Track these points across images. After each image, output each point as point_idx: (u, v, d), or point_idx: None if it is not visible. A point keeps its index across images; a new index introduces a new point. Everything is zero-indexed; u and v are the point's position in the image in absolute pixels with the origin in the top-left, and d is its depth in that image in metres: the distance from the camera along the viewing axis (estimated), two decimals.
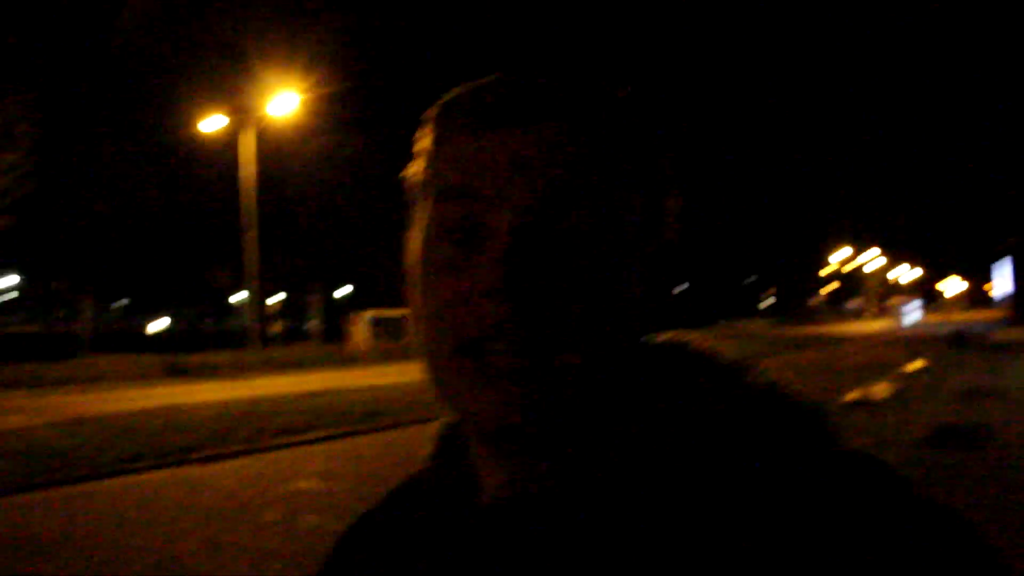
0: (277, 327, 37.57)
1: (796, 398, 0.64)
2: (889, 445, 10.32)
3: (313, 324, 42.42)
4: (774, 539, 0.55)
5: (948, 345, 31.54)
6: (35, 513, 8.09)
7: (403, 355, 32.45)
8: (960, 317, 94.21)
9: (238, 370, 26.97)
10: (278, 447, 11.67)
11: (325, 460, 10.64)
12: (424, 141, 0.68)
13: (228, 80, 31.33)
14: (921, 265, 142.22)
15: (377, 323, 38.48)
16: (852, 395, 11.62)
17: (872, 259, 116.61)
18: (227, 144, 31.42)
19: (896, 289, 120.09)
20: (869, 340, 45.17)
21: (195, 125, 30.78)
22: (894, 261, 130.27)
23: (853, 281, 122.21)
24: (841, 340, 45.72)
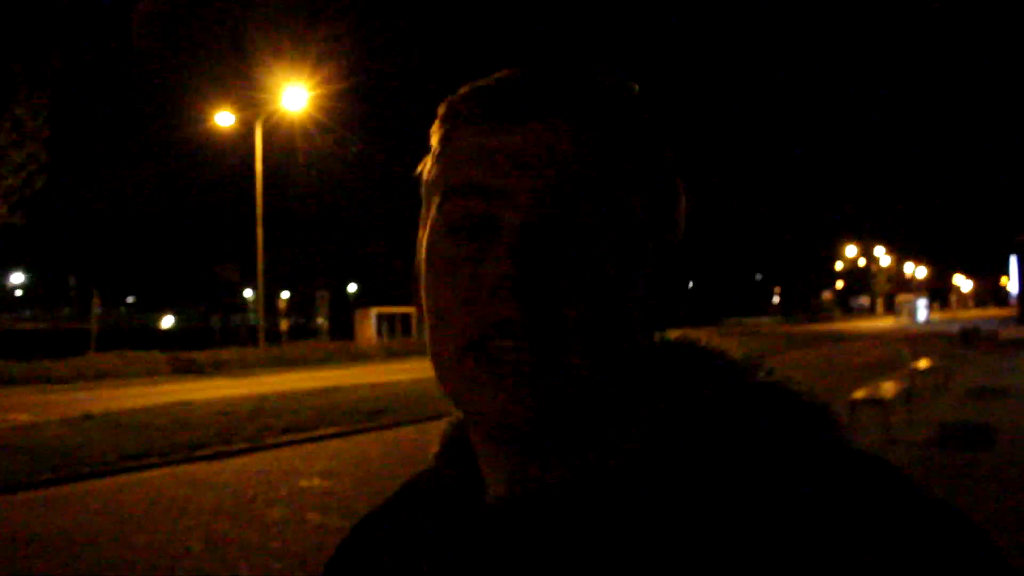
0: (284, 324, 37.59)
1: (803, 397, 0.64)
2: (897, 444, 10.30)
3: (320, 321, 42.48)
4: (780, 538, 0.54)
5: (957, 343, 31.47)
6: (40, 510, 8.12)
7: (409, 352, 32.55)
8: (969, 315, 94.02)
9: (245, 367, 27.04)
10: (283, 445, 11.70)
11: (330, 458, 10.66)
12: (434, 138, 0.68)
13: (237, 77, 31.41)
14: (929, 263, 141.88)
15: (384, 320, 38.56)
16: (859, 393, 11.58)
17: (880, 257, 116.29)
18: (235, 142, 31.52)
19: (904, 286, 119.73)
20: (877, 338, 45.09)
21: (204, 123, 30.88)
22: (902, 258, 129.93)
23: (861, 278, 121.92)
24: (849, 338, 45.65)
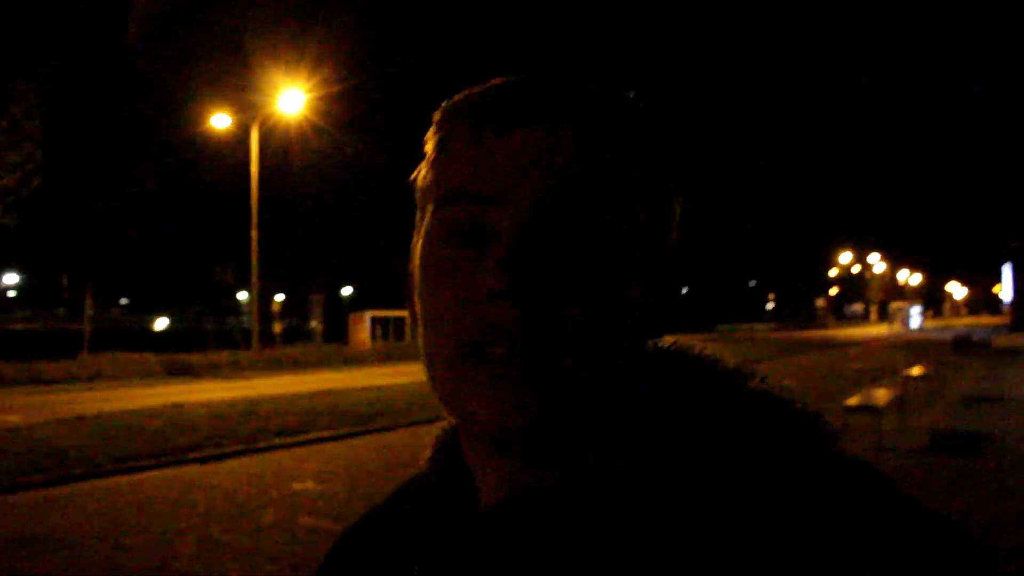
0: (278, 327, 37.53)
1: (796, 405, 0.64)
2: (889, 451, 10.32)
3: (314, 324, 42.43)
4: (771, 544, 0.55)
5: (949, 351, 31.55)
6: (33, 512, 8.09)
7: (403, 356, 32.52)
8: (962, 322, 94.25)
9: (239, 369, 27.00)
10: (277, 447, 11.68)
11: (323, 461, 10.64)
12: (428, 144, 0.68)
13: (233, 79, 31.39)
14: (923, 270, 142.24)
15: (378, 323, 38.53)
16: (853, 400, 11.60)
17: (874, 264, 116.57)
18: (231, 144, 31.48)
19: (898, 294, 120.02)
20: (870, 345, 45.17)
21: (200, 125, 30.84)
22: (896, 266, 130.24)
23: (855, 285, 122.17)
24: (842, 344, 45.72)
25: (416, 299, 0.67)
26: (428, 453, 0.76)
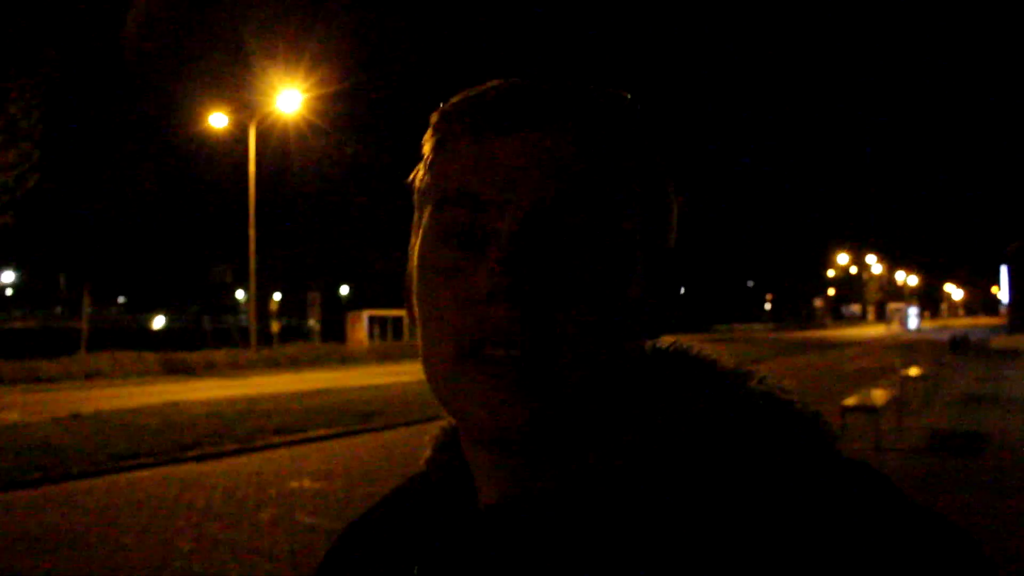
0: (276, 326, 37.50)
1: (795, 406, 0.64)
2: (888, 451, 10.33)
3: (312, 323, 42.41)
4: (769, 544, 0.55)
5: (947, 351, 31.57)
6: (30, 510, 8.08)
7: (401, 355, 32.51)
8: (960, 323, 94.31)
9: (236, 368, 26.99)
10: (274, 446, 11.67)
11: (322, 460, 10.64)
12: (426, 146, 0.68)
13: (231, 78, 31.36)
14: (921, 271, 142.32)
15: (376, 322, 38.51)
16: (851, 400, 11.61)
17: (871, 265, 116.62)
18: (229, 143, 31.45)
19: (895, 295, 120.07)
20: (868, 345, 45.19)
21: (198, 123, 30.81)
22: (893, 267, 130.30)
23: (852, 286, 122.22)
24: (840, 345, 45.74)
25: (415, 300, 0.67)
26: (427, 453, 0.76)
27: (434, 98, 0.69)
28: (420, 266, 0.66)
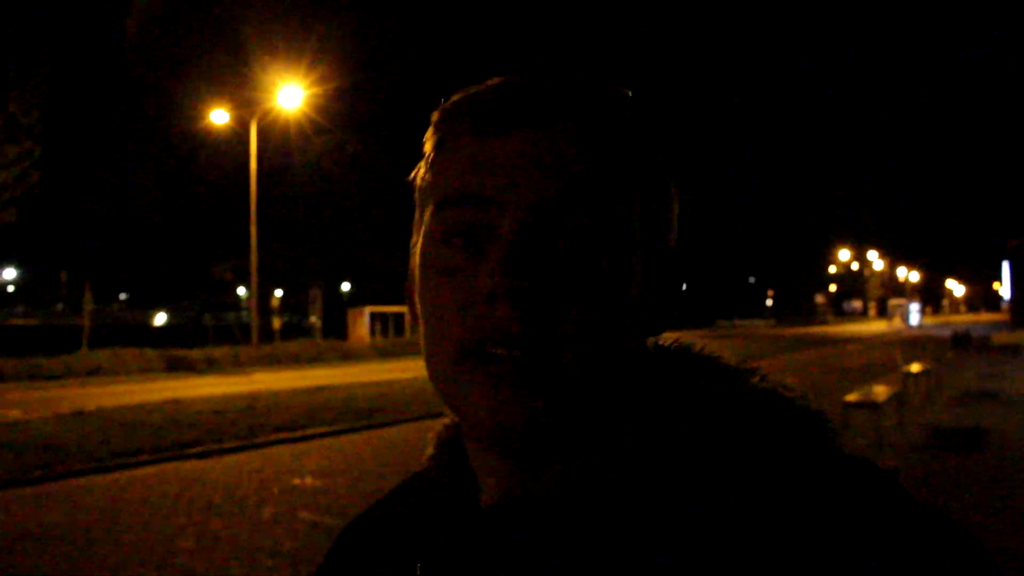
0: (277, 322, 37.51)
1: (797, 403, 0.64)
2: (889, 447, 10.33)
3: (313, 319, 42.43)
4: (772, 542, 0.55)
5: (949, 347, 31.57)
6: (31, 507, 8.09)
7: (402, 351, 32.52)
8: (961, 319, 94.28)
9: (238, 365, 27.00)
10: (276, 443, 11.68)
11: (323, 457, 10.65)
12: (427, 144, 0.68)
13: (232, 74, 31.36)
14: (922, 267, 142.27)
15: (377, 319, 38.51)
16: (852, 396, 11.60)
17: (873, 261, 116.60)
18: (230, 140, 31.46)
19: (897, 291, 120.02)
20: (869, 341, 45.19)
21: (199, 120, 30.82)
22: (895, 263, 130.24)
23: (854, 282, 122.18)
24: (841, 341, 45.73)
25: (417, 299, 0.67)
26: (430, 450, 0.76)
27: (435, 95, 0.69)
28: (422, 265, 0.66)
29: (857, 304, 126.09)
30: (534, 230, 0.60)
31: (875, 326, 78.56)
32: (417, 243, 0.68)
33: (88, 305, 30.34)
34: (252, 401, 15.43)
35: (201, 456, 10.65)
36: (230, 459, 10.58)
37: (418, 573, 0.69)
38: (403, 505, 0.77)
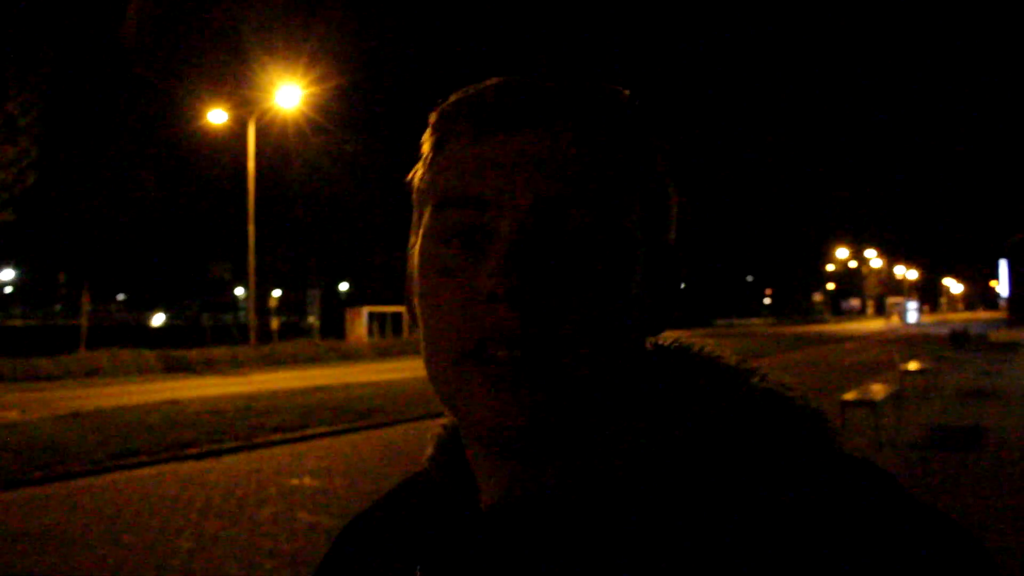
0: (275, 323, 37.52)
1: (798, 402, 0.64)
2: (887, 445, 10.34)
3: (311, 320, 42.44)
4: (773, 542, 0.55)
5: (947, 345, 31.61)
6: (30, 508, 8.09)
7: (400, 351, 32.52)
8: (959, 317, 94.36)
9: (236, 365, 26.98)
10: (274, 443, 11.68)
11: (321, 457, 10.64)
12: (425, 145, 0.68)
13: (230, 74, 31.34)
14: (920, 265, 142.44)
15: (375, 319, 38.51)
16: (850, 395, 11.61)
17: (871, 259, 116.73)
18: (228, 140, 31.45)
19: (895, 289, 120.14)
20: (867, 339, 45.22)
21: (197, 120, 30.78)
22: (893, 261, 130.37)
23: (852, 280, 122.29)
24: (839, 339, 45.77)
25: (416, 300, 0.67)
26: (429, 451, 0.76)
27: (434, 94, 0.69)
28: (421, 266, 0.65)
29: (855, 302, 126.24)
30: (534, 230, 0.60)
31: (873, 324, 78.63)
32: (415, 245, 0.68)
33: (86, 306, 30.33)
34: (250, 402, 15.43)
35: (199, 457, 10.65)
36: (228, 460, 10.57)
37: (418, 574, 0.69)
38: (402, 506, 0.77)
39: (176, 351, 27.45)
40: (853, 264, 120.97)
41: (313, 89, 29.03)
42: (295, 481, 9.13)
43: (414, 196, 0.70)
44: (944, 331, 40.30)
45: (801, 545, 0.54)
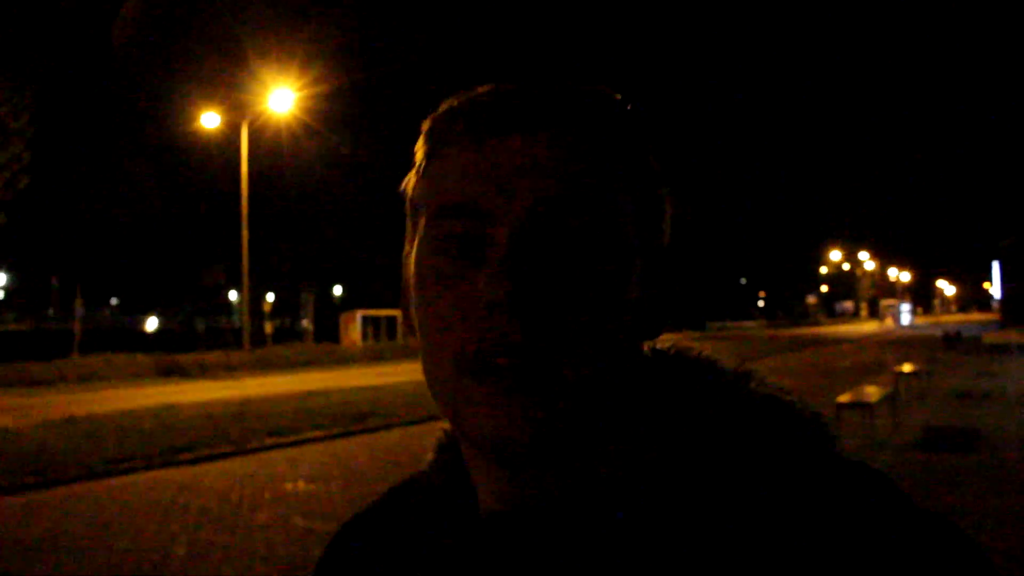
0: (269, 326, 37.47)
1: (796, 407, 0.64)
2: (882, 447, 10.36)
3: (305, 323, 42.39)
4: (775, 548, 0.55)
5: (940, 347, 31.69)
6: (23, 515, 8.05)
7: (395, 355, 32.49)
8: (952, 319, 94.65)
9: (229, 369, 26.94)
10: (268, 448, 11.65)
11: (315, 462, 10.62)
12: (418, 154, 0.68)
13: (223, 78, 31.30)
14: (913, 267, 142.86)
15: (369, 322, 38.50)
16: (845, 397, 11.63)
17: (864, 261, 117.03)
18: (221, 143, 31.41)
19: (888, 291, 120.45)
20: (861, 342, 45.32)
21: (190, 124, 30.75)
22: (886, 263, 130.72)
23: (845, 283, 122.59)
24: (834, 341, 45.86)
25: (413, 310, 0.66)
26: (430, 456, 0.75)
27: (427, 96, 0.69)
28: (418, 276, 0.65)
29: (848, 305, 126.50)
30: (530, 237, 0.59)
31: (867, 326, 78.82)
32: (410, 254, 0.67)
33: (79, 310, 30.26)
34: (244, 406, 15.40)
35: (193, 462, 10.62)
36: (223, 465, 10.54)
37: None
38: (399, 510, 0.77)
39: (170, 355, 27.43)
40: (846, 266, 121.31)
41: (306, 92, 29.06)
42: (290, 486, 9.11)
43: (408, 205, 0.69)
44: (938, 333, 40.41)
45: (802, 550, 0.54)
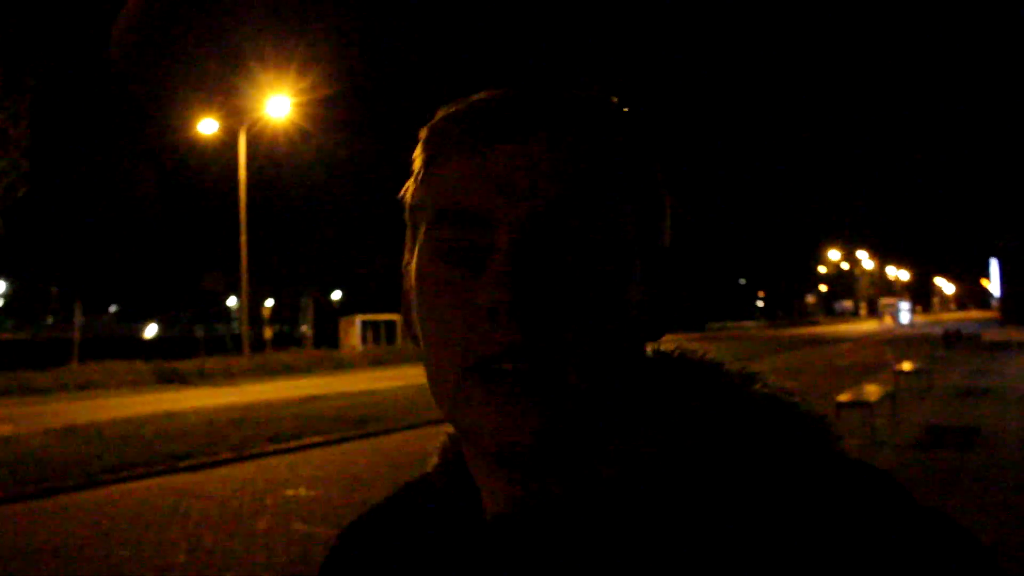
0: (268, 332, 37.44)
1: (799, 408, 0.64)
2: (882, 446, 10.36)
3: (305, 329, 42.37)
4: (779, 549, 0.55)
5: (940, 345, 31.71)
6: (24, 523, 8.04)
7: (394, 360, 32.45)
8: (951, 317, 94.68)
9: (229, 376, 26.91)
10: (269, 454, 11.64)
11: (316, 467, 10.61)
12: (416, 162, 0.68)
13: (220, 84, 31.33)
14: (912, 266, 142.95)
15: (369, 327, 38.46)
16: (845, 396, 11.64)
17: (863, 260, 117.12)
18: (220, 149, 31.42)
19: (887, 290, 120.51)
20: (861, 341, 45.33)
21: (188, 131, 30.75)
22: (885, 262, 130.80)
23: (844, 282, 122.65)
24: (833, 341, 45.87)
25: (415, 318, 0.67)
26: (434, 460, 0.75)
27: (425, 100, 0.69)
28: (419, 283, 0.65)
29: (848, 304, 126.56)
30: (531, 242, 0.59)
31: (866, 325, 78.82)
32: (411, 262, 0.67)
33: (78, 318, 30.24)
34: (244, 412, 15.38)
35: (194, 469, 10.61)
36: (223, 471, 10.54)
37: None
38: (402, 514, 0.77)
39: (169, 362, 27.36)
40: (845, 266, 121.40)
41: (304, 98, 29.05)
42: (290, 491, 9.10)
43: (407, 213, 0.69)
44: (937, 331, 40.45)
45: (807, 550, 0.54)
